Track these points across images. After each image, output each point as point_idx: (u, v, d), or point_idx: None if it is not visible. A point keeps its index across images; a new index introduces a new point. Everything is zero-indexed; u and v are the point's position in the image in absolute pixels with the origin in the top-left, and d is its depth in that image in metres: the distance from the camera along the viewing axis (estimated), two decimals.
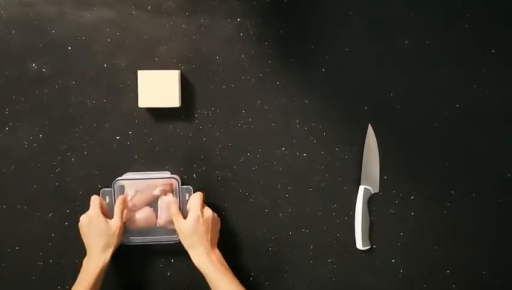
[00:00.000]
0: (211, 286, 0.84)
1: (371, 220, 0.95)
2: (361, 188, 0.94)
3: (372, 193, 0.94)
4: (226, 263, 0.87)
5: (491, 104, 0.94)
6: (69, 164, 0.94)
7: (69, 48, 0.93)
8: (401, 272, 0.96)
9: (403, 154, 0.95)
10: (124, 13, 0.93)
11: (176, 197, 0.90)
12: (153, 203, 0.91)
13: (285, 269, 0.96)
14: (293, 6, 0.93)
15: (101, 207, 0.89)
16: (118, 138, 0.94)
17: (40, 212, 0.95)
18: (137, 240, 0.91)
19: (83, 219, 0.88)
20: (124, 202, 0.89)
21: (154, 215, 0.91)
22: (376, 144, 0.94)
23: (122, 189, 0.91)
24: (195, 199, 0.89)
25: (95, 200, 0.89)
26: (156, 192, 0.90)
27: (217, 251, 0.88)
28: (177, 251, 0.94)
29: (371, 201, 0.95)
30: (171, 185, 0.91)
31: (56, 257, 0.96)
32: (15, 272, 0.96)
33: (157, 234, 0.91)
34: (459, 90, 0.94)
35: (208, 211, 0.88)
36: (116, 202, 0.89)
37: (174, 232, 0.90)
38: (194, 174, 0.95)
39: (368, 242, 0.95)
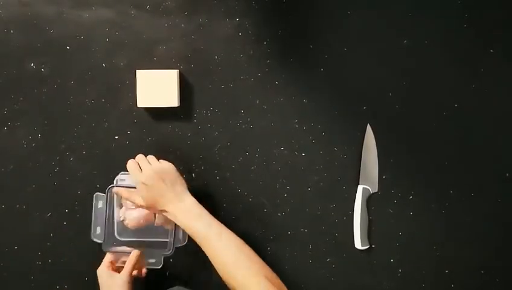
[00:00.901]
0: (196, 237, 0.80)
1: (369, 219, 0.95)
2: (360, 188, 0.94)
3: (371, 192, 0.94)
4: (202, 207, 0.82)
5: (490, 103, 0.94)
6: (68, 164, 0.94)
7: (68, 47, 0.93)
8: (399, 272, 0.96)
9: (401, 154, 0.94)
10: (122, 13, 0.93)
11: None
12: None
13: (284, 269, 0.96)
14: (292, 5, 0.93)
15: (112, 262, 0.88)
16: (116, 137, 0.94)
17: (39, 212, 0.95)
18: (134, 238, 0.91)
19: (97, 272, 0.87)
20: (137, 257, 0.87)
21: (153, 215, 0.91)
22: (375, 144, 0.94)
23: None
24: (129, 165, 0.84)
25: (106, 257, 0.89)
26: None
27: (188, 200, 0.82)
28: (176, 250, 0.94)
29: (370, 201, 0.95)
30: None
31: (55, 256, 0.96)
32: (14, 272, 0.96)
33: (155, 233, 0.91)
34: (457, 90, 0.94)
35: (146, 168, 0.83)
36: (130, 256, 0.87)
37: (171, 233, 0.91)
38: (192, 174, 0.95)
39: (367, 242, 0.95)
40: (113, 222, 0.91)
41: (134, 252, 0.87)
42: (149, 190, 0.82)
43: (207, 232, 0.79)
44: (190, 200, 0.83)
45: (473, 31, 0.93)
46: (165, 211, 0.83)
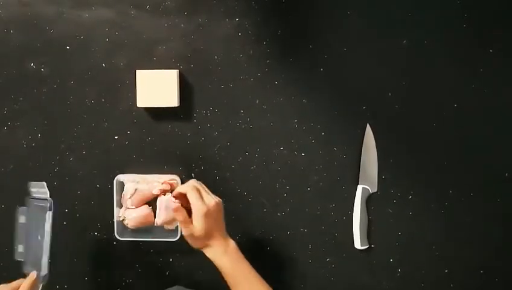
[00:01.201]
0: (229, 284, 0.81)
1: (369, 219, 0.95)
2: (359, 188, 0.94)
3: (371, 192, 0.95)
4: (241, 253, 0.83)
5: (489, 103, 0.94)
6: (68, 164, 0.95)
7: (68, 47, 0.93)
8: (399, 272, 0.96)
9: (401, 154, 0.95)
10: (122, 13, 0.93)
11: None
12: (151, 202, 0.92)
13: (284, 269, 0.96)
14: (291, 5, 0.93)
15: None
16: (116, 137, 0.94)
17: None
18: (134, 238, 0.92)
19: None
20: (33, 281, 0.79)
21: (153, 215, 0.91)
22: (374, 144, 0.94)
23: (122, 185, 0.91)
24: (192, 192, 0.81)
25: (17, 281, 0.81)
26: (155, 191, 0.90)
27: (231, 242, 0.82)
28: (176, 250, 0.95)
29: (369, 201, 0.95)
30: (171, 185, 0.91)
31: (54, 256, 0.96)
32: (13, 272, 0.96)
33: (154, 233, 0.92)
34: (457, 90, 0.94)
35: (210, 200, 0.81)
36: (27, 279, 0.80)
37: (171, 233, 0.91)
38: (192, 174, 0.95)
39: (366, 242, 0.95)
40: (36, 239, 0.81)
41: (32, 275, 0.80)
42: (210, 222, 0.80)
43: (245, 279, 0.81)
44: (233, 243, 0.83)
45: (472, 31, 0.93)
46: (209, 246, 0.81)
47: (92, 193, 0.94)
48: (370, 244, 0.95)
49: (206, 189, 0.84)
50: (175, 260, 0.96)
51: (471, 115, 0.94)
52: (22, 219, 0.84)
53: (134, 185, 0.91)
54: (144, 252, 0.95)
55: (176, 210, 0.81)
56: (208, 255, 0.82)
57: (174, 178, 0.92)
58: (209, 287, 0.95)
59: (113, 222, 0.92)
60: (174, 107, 0.92)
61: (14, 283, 0.80)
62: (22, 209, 0.85)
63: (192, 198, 0.81)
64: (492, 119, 0.94)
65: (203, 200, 0.81)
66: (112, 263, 0.96)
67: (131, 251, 0.95)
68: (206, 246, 0.82)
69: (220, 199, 0.84)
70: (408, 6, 0.93)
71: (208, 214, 0.80)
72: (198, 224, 0.80)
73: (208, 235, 0.81)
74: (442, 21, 0.93)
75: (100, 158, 0.94)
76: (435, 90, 0.94)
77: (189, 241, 0.82)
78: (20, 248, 0.84)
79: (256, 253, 0.96)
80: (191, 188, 0.82)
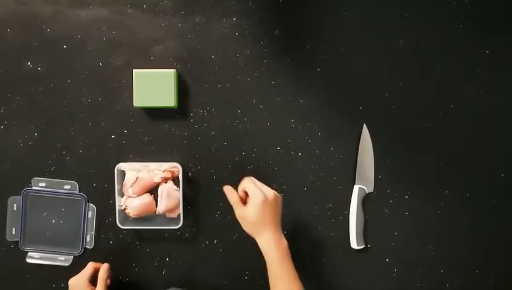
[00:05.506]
0: (270, 275, 0.82)
1: (365, 219, 0.95)
2: (356, 188, 0.94)
3: (367, 192, 0.95)
4: (290, 255, 0.83)
5: (485, 104, 0.94)
6: (65, 163, 0.94)
7: (65, 46, 0.93)
8: (395, 272, 0.96)
9: (397, 154, 0.95)
10: (119, 12, 0.93)
11: (177, 185, 0.91)
12: (153, 190, 0.92)
13: None
14: (288, 5, 0.93)
15: (91, 274, 0.88)
16: (113, 137, 0.94)
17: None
18: (136, 227, 0.92)
19: (70, 282, 0.88)
20: (107, 271, 0.88)
21: (154, 203, 0.91)
22: (371, 144, 0.94)
23: (123, 174, 0.91)
24: (250, 182, 0.84)
25: (88, 267, 0.89)
26: (157, 179, 0.90)
27: (284, 240, 0.83)
28: (172, 250, 0.95)
29: (366, 201, 0.95)
30: (171, 172, 0.91)
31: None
32: (11, 271, 0.96)
33: (156, 222, 0.92)
34: (453, 90, 0.94)
35: (269, 190, 0.84)
36: (100, 270, 0.88)
37: (173, 220, 0.91)
38: (189, 174, 0.95)
39: (363, 242, 0.95)
40: (29, 222, 0.95)
41: (104, 266, 0.88)
42: (266, 209, 0.82)
43: (286, 279, 0.81)
44: (286, 242, 0.83)
45: (469, 33, 0.93)
46: (262, 234, 0.82)
47: (89, 192, 0.94)
48: (366, 244, 0.95)
49: (263, 185, 0.86)
50: (171, 260, 0.96)
51: (468, 116, 0.94)
52: (14, 207, 0.93)
53: (136, 173, 0.91)
54: (140, 252, 0.95)
55: (227, 190, 0.85)
56: (259, 242, 0.82)
57: (176, 165, 0.92)
58: (205, 289, 0.95)
59: (114, 218, 0.91)
60: (171, 106, 0.92)
61: (87, 269, 0.89)
62: (14, 199, 0.94)
63: (250, 187, 0.83)
64: (489, 120, 0.94)
65: (260, 189, 0.83)
66: (108, 263, 0.96)
67: (127, 250, 0.95)
68: (260, 233, 0.82)
69: (278, 194, 0.85)
70: (405, 7, 0.93)
71: (265, 202, 0.82)
72: (253, 209, 0.82)
73: (262, 223, 0.82)
74: (439, 22, 0.93)
75: (97, 157, 0.94)
76: (431, 90, 0.94)
77: (242, 223, 0.84)
78: (13, 231, 0.94)
79: (252, 252, 0.95)
80: (247, 180, 0.85)
